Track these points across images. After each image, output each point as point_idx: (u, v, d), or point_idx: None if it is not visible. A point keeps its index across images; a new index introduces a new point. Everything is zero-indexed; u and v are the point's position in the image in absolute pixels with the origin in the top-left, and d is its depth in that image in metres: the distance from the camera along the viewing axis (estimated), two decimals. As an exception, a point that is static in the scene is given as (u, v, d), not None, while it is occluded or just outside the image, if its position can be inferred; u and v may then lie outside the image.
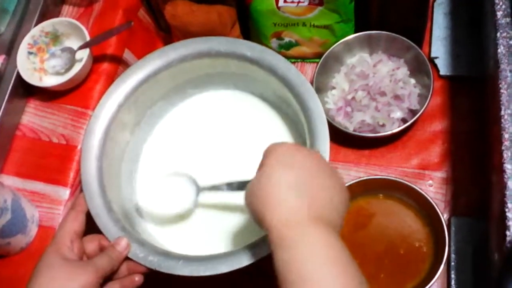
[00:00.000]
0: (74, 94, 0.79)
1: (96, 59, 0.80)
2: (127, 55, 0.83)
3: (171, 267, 0.60)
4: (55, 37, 0.80)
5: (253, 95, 0.79)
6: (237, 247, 0.61)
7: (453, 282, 0.68)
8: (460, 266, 0.68)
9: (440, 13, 0.82)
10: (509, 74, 0.56)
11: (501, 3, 0.58)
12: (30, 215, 0.71)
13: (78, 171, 0.74)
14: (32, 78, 0.77)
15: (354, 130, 0.76)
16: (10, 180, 0.75)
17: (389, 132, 0.73)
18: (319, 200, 0.49)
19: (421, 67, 0.76)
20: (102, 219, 0.64)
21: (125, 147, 0.75)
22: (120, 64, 0.82)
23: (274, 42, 0.82)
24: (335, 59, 0.80)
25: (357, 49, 0.80)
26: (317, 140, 0.63)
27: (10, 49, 0.79)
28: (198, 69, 0.75)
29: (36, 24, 0.80)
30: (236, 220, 0.71)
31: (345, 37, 0.78)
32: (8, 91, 0.77)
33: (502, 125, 0.54)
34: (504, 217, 0.51)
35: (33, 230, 0.72)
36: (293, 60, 0.84)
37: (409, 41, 0.76)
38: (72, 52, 0.79)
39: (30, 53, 0.79)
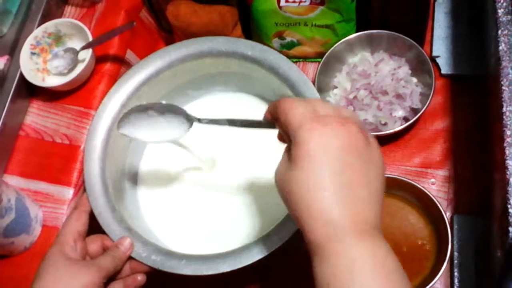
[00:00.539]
0: (77, 95, 0.79)
1: (98, 60, 0.80)
2: (129, 55, 0.84)
3: (173, 266, 0.60)
4: (58, 38, 0.81)
5: (254, 96, 0.79)
6: (239, 245, 0.62)
7: (456, 279, 0.68)
8: (463, 264, 0.68)
9: (441, 12, 0.83)
10: (510, 71, 0.56)
11: (502, 1, 0.59)
12: (34, 214, 0.71)
13: (81, 171, 0.74)
14: (35, 79, 0.78)
15: (356, 129, 0.76)
16: (14, 180, 0.76)
17: (391, 131, 0.73)
18: (364, 204, 0.43)
19: (422, 66, 0.76)
20: (106, 219, 0.64)
21: (128, 147, 0.76)
22: (122, 64, 0.82)
23: (276, 42, 0.83)
24: (337, 58, 0.80)
25: (358, 48, 0.80)
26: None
27: (13, 50, 0.80)
28: (199, 69, 0.75)
29: (39, 25, 0.80)
30: (238, 219, 0.71)
31: (346, 36, 0.79)
32: (11, 91, 0.77)
33: (504, 122, 0.54)
34: (506, 213, 0.51)
35: (37, 229, 0.72)
36: (295, 60, 0.85)
37: (410, 40, 0.76)
38: (74, 52, 0.79)
39: (33, 53, 0.79)
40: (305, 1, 0.75)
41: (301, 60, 0.85)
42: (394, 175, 0.72)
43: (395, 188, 0.71)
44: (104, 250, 0.63)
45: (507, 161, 0.53)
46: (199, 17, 0.79)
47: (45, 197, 0.74)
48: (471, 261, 0.68)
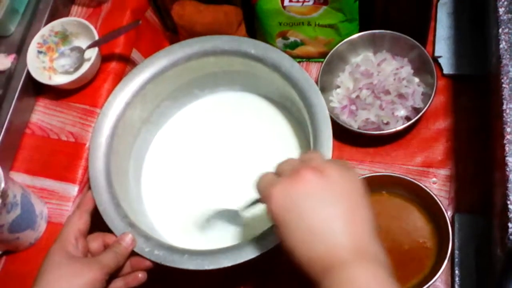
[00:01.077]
0: (83, 93, 0.80)
1: (104, 59, 0.81)
2: (135, 54, 0.85)
3: (176, 261, 0.60)
4: (64, 37, 0.82)
5: (258, 95, 0.80)
6: (241, 241, 0.62)
7: (456, 278, 0.68)
8: (463, 262, 0.69)
9: (444, 13, 0.83)
10: (511, 69, 0.56)
11: (503, 0, 0.59)
12: (39, 211, 0.72)
13: (86, 169, 0.75)
14: (42, 77, 0.79)
15: (359, 128, 0.76)
16: (20, 177, 0.77)
17: (393, 130, 0.74)
18: (361, 234, 0.46)
19: (425, 66, 0.76)
20: (109, 215, 0.65)
21: (132, 145, 0.76)
22: (128, 63, 0.83)
23: (279, 42, 0.83)
24: (340, 58, 0.81)
25: (361, 48, 0.81)
26: (320, 137, 0.63)
27: (20, 49, 0.81)
28: (203, 67, 0.76)
29: (45, 24, 0.81)
30: (241, 215, 0.72)
31: (349, 36, 0.79)
32: (18, 89, 0.78)
33: (504, 119, 0.55)
34: (506, 210, 0.52)
35: (42, 225, 0.73)
36: (298, 60, 0.85)
37: (413, 40, 0.77)
38: (81, 51, 0.80)
39: (39, 52, 0.80)
40: (308, 1, 0.76)
41: (304, 60, 0.86)
42: (396, 174, 0.72)
43: (396, 187, 0.72)
44: (105, 247, 0.64)
45: (507, 158, 0.53)
46: (204, 16, 0.80)
47: (50, 194, 0.75)
48: (472, 259, 0.68)
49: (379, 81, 0.77)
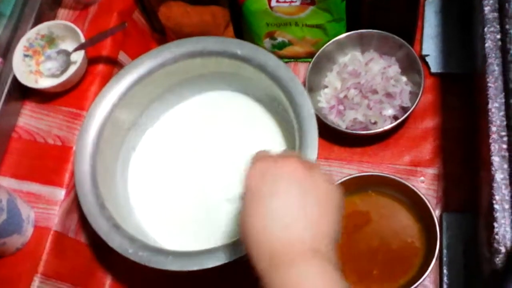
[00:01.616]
0: (69, 96, 0.80)
1: (91, 61, 0.81)
2: (122, 56, 0.84)
3: (160, 262, 0.61)
4: (51, 40, 0.81)
5: (246, 95, 0.80)
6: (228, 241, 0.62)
7: (445, 277, 0.68)
8: (451, 261, 0.69)
9: (431, 12, 0.83)
10: (496, 68, 0.56)
11: (488, -1, 0.59)
12: (25, 215, 0.72)
13: (73, 172, 0.74)
14: (28, 80, 0.78)
15: (347, 128, 0.76)
16: (6, 182, 0.76)
17: (381, 129, 0.74)
18: (323, 239, 0.45)
19: (412, 65, 0.76)
20: (94, 216, 0.65)
21: (120, 146, 0.76)
22: (115, 66, 0.83)
23: (267, 42, 0.83)
24: (328, 58, 0.81)
25: (349, 48, 0.81)
26: (306, 136, 0.63)
27: (6, 52, 0.80)
28: (191, 69, 0.76)
29: (32, 27, 0.81)
30: (229, 216, 0.72)
31: (337, 36, 0.79)
32: (4, 93, 0.77)
33: (489, 118, 0.55)
34: (492, 209, 0.52)
35: (28, 230, 0.72)
36: (286, 60, 0.85)
37: (400, 39, 0.77)
38: (67, 54, 0.80)
39: (26, 55, 0.79)
40: (295, 1, 0.76)
41: (292, 60, 0.86)
42: (383, 173, 0.72)
43: (384, 186, 0.72)
44: None
45: (492, 157, 0.53)
46: (191, 18, 0.80)
47: (37, 198, 0.74)
48: (460, 258, 0.68)
49: (367, 81, 0.77)
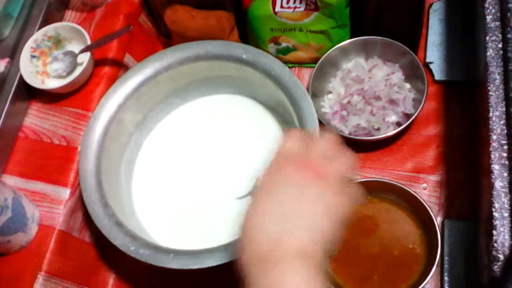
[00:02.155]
0: (76, 97, 0.81)
1: (97, 63, 0.82)
2: (128, 59, 0.85)
3: (160, 260, 0.61)
4: (58, 41, 0.82)
5: (250, 98, 0.81)
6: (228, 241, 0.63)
7: (445, 284, 0.68)
8: (452, 268, 0.69)
9: (435, 19, 0.83)
10: (497, 77, 0.57)
11: (491, 7, 0.59)
12: (30, 214, 0.72)
13: (78, 172, 0.75)
14: (35, 81, 0.79)
15: (350, 134, 0.77)
16: (12, 180, 0.77)
17: (384, 136, 0.74)
18: (316, 248, 0.46)
19: (416, 72, 0.77)
20: (98, 214, 0.66)
21: (125, 146, 0.77)
22: (121, 68, 0.83)
23: (271, 47, 0.84)
24: (331, 64, 0.81)
25: (353, 54, 0.81)
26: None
27: (14, 53, 0.82)
28: (196, 72, 0.77)
29: (39, 29, 0.82)
30: (230, 216, 0.72)
31: (341, 42, 0.79)
32: (11, 93, 0.79)
33: (490, 126, 0.55)
34: (491, 217, 0.52)
35: (33, 228, 0.73)
36: (290, 65, 0.86)
37: (404, 46, 0.77)
38: (73, 55, 0.81)
39: (33, 56, 0.81)
40: (299, 7, 0.76)
41: (296, 65, 0.86)
42: (386, 179, 0.73)
43: (386, 192, 0.72)
44: None
45: (492, 166, 0.53)
46: (196, 21, 0.80)
47: (42, 197, 0.75)
48: (461, 266, 0.69)
49: (370, 87, 0.77)
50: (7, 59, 0.81)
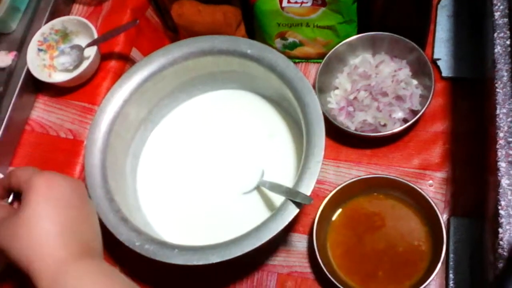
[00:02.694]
0: (82, 91, 0.81)
1: (104, 57, 0.82)
2: (135, 53, 0.85)
3: (165, 255, 0.61)
4: (65, 35, 0.83)
5: (255, 94, 0.81)
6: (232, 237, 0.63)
7: (451, 281, 0.68)
8: (458, 266, 0.68)
9: (443, 16, 0.83)
10: (505, 74, 0.56)
11: (499, 4, 0.59)
12: (36, 207, 0.73)
13: (84, 165, 0.75)
14: (42, 75, 0.80)
15: (356, 130, 0.76)
16: (18, 173, 0.77)
17: (390, 132, 0.73)
18: (80, 235, 0.54)
19: (423, 69, 0.76)
20: (103, 209, 0.65)
21: (131, 141, 0.77)
22: (127, 62, 0.84)
23: (278, 43, 0.84)
24: (338, 59, 0.81)
25: (360, 50, 0.81)
26: (313, 135, 0.64)
27: (21, 46, 0.82)
28: (202, 67, 0.76)
29: (46, 22, 0.82)
30: (234, 212, 0.73)
31: (348, 37, 0.79)
32: (18, 86, 0.79)
33: (497, 124, 0.55)
34: (497, 215, 0.52)
35: (39, 222, 0.74)
36: (297, 61, 0.85)
37: (411, 42, 0.77)
38: (80, 49, 0.81)
39: (40, 50, 0.81)
40: (307, 2, 0.76)
41: (303, 60, 0.86)
42: (391, 176, 0.72)
43: (392, 189, 0.72)
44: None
45: (498, 163, 0.53)
46: (203, 16, 0.80)
47: (48, 190, 0.76)
48: (467, 263, 0.68)
49: (377, 83, 0.77)
50: (14, 53, 0.81)
